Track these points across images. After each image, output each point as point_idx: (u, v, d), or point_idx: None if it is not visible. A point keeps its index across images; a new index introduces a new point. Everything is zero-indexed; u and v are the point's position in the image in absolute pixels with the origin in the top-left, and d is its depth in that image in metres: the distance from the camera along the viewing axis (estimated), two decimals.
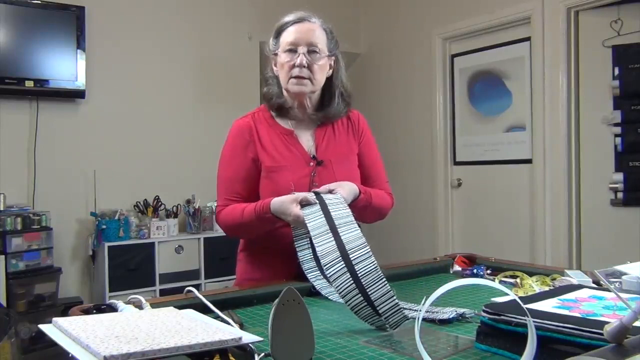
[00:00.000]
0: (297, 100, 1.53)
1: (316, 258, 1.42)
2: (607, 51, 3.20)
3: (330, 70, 1.55)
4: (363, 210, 1.48)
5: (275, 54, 1.53)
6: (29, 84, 3.33)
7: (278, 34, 1.53)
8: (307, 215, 1.26)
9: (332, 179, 1.47)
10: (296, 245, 1.41)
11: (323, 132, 1.58)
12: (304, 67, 1.47)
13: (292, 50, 1.48)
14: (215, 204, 1.61)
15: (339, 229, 1.16)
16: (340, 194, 1.34)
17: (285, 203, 1.35)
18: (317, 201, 1.29)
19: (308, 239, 1.42)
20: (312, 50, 1.48)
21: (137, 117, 3.81)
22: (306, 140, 1.56)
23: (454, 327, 1.03)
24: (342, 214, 1.22)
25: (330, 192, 1.36)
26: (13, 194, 3.33)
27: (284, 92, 1.54)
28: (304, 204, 1.31)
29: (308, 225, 1.22)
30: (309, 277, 1.37)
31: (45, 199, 3.42)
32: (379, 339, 0.98)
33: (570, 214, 3.37)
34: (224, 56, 4.18)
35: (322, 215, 1.23)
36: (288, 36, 1.49)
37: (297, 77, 1.48)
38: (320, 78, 1.52)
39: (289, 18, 1.52)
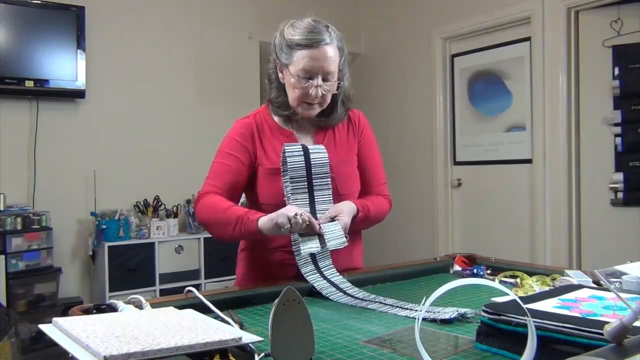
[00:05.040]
0: (304, 116, 1.53)
1: (315, 262, 1.42)
2: (607, 51, 3.19)
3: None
4: (361, 223, 1.50)
5: (286, 66, 1.46)
6: (29, 84, 3.33)
7: (290, 47, 1.43)
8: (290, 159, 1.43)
9: (331, 181, 1.47)
10: (294, 250, 1.40)
11: (323, 134, 1.57)
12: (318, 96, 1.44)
13: (307, 78, 1.42)
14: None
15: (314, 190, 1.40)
16: (343, 220, 1.38)
17: (280, 215, 1.31)
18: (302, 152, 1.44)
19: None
20: (326, 78, 1.44)
21: (137, 117, 3.81)
22: (306, 142, 1.54)
23: (454, 327, 1.03)
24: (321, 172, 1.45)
25: (332, 219, 1.38)
26: (13, 194, 3.33)
27: (291, 105, 1.51)
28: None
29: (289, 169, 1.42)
30: (309, 279, 1.37)
31: (45, 199, 3.42)
32: (379, 339, 0.98)
33: (570, 214, 3.37)
34: (224, 56, 4.18)
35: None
36: (303, 61, 1.41)
37: (308, 103, 1.46)
38: (329, 98, 1.49)
39: (303, 37, 1.41)
